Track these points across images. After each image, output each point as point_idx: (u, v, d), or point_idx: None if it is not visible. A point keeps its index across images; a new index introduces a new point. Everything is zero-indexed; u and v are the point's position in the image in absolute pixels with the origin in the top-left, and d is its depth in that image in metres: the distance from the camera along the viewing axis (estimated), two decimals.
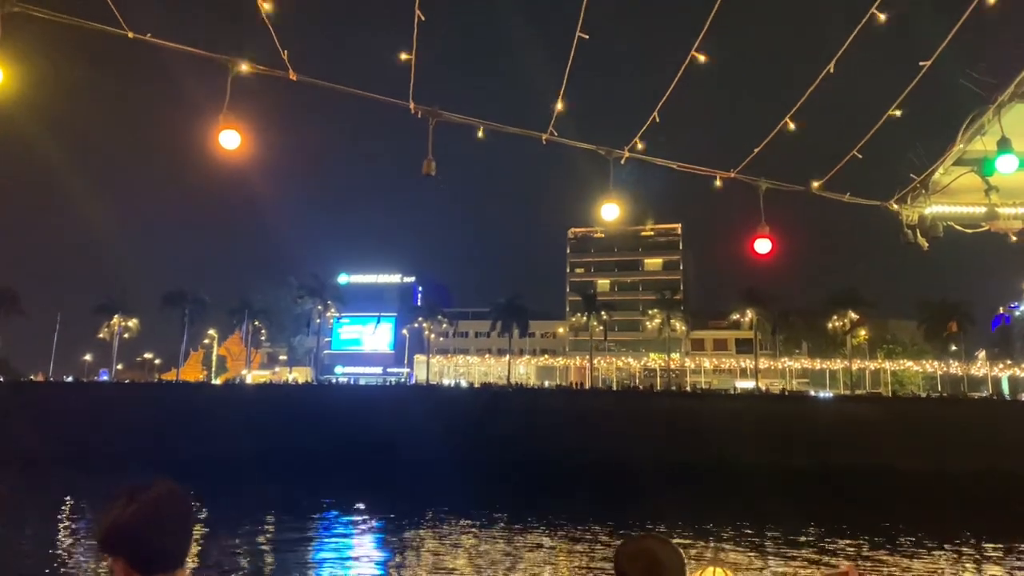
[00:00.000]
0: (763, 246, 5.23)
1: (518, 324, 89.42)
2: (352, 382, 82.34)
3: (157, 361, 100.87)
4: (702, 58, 4.73)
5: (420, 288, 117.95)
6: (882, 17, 4.67)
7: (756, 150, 5.08)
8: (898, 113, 4.87)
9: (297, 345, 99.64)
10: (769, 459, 43.64)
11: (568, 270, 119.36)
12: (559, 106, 4.87)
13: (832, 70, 4.90)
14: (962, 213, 4.92)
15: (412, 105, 4.96)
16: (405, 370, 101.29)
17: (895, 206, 5.06)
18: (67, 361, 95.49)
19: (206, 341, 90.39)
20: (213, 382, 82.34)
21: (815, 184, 5.19)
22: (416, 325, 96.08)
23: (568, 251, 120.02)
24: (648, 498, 34.07)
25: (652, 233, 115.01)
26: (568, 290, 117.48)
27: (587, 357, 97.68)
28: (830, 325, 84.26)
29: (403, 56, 4.60)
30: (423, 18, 4.44)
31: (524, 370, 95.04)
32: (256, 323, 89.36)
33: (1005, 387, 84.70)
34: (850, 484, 38.84)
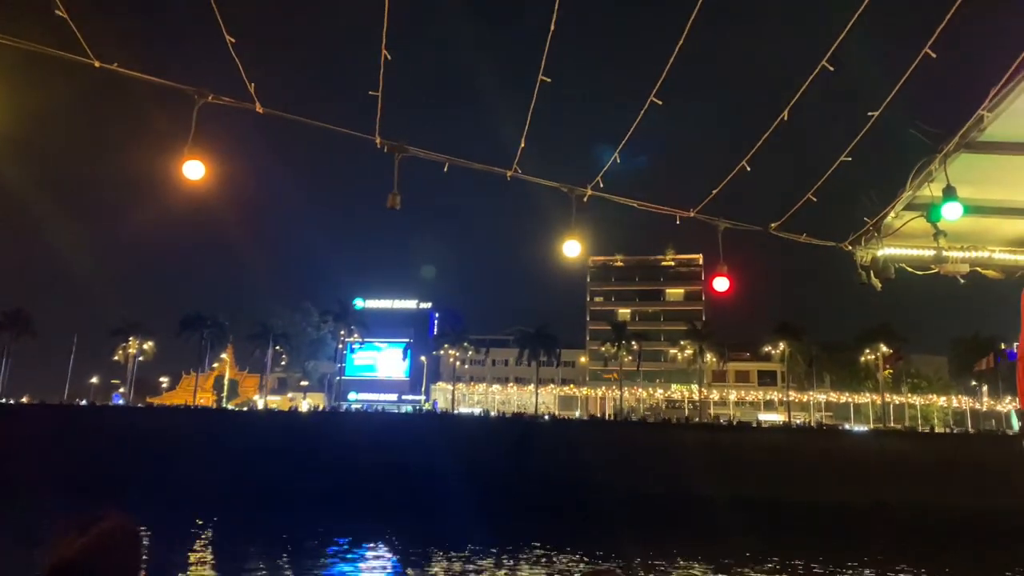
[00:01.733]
0: (721, 284, 5.39)
1: (546, 352, 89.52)
2: (366, 408, 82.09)
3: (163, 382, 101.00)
4: (659, 102, 4.93)
5: (436, 315, 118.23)
6: (831, 68, 4.87)
7: (714, 192, 5.26)
8: (849, 159, 5.03)
9: (312, 370, 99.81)
10: (823, 496, 42.80)
11: (588, 299, 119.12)
12: (522, 144, 5.06)
13: (786, 117, 5.09)
14: (912, 256, 5.03)
15: (378, 140, 5.09)
16: (420, 397, 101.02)
17: (849, 247, 5.19)
18: (75, 384, 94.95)
19: (215, 365, 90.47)
20: (226, 407, 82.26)
21: (772, 225, 5.35)
22: (442, 352, 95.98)
23: (588, 280, 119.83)
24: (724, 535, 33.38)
25: (673, 263, 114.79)
26: (588, 319, 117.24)
27: (607, 387, 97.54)
28: (862, 359, 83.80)
29: (371, 92, 4.80)
30: (389, 58, 4.64)
31: (543, 399, 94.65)
32: (277, 348, 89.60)
33: (1015, 422, 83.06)
34: (914, 522, 37.60)
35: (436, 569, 28.02)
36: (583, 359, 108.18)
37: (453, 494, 41.12)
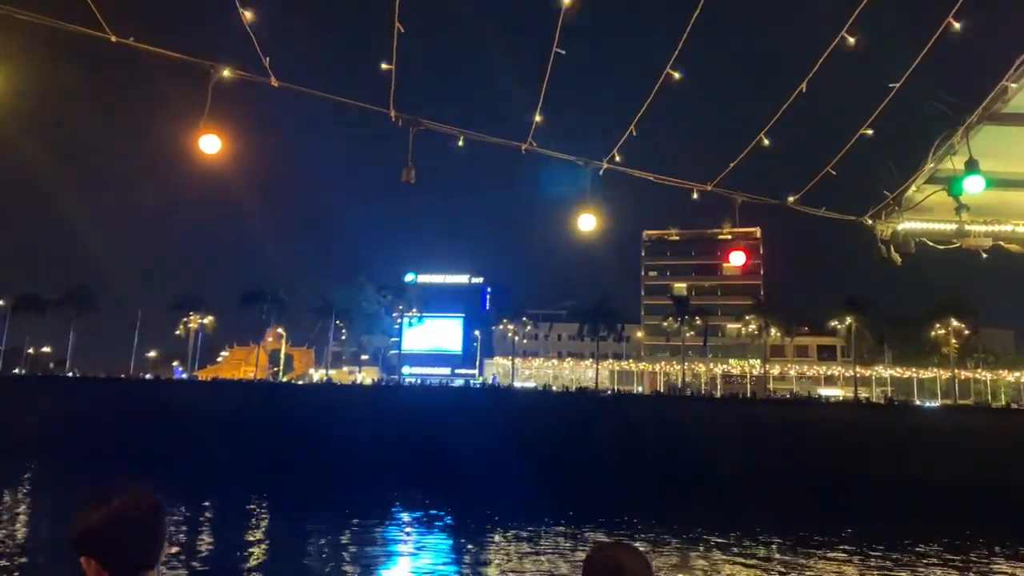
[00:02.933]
0: (738, 258, 5.45)
1: (606, 327, 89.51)
2: (420, 383, 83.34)
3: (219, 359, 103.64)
4: (676, 75, 4.93)
5: (488, 289, 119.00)
6: (851, 40, 4.81)
7: (732, 164, 5.25)
8: (870, 132, 4.96)
9: (366, 344, 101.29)
10: (908, 471, 41.75)
11: (643, 273, 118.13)
12: (537, 117, 5.09)
13: (804, 89, 5.04)
14: (934, 230, 4.95)
15: (393, 113, 5.07)
16: (474, 371, 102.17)
17: (869, 222, 5.12)
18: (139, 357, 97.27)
19: (269, 339, 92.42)
20: (281, 380, 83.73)
21: (791, 198, 5.32)
22: (501, 327, 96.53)
23: (643, 254, 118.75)
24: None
25: (730, 236, 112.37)
26: (643, 293, 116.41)
27: (667, 361, 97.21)
28: (932, 333, 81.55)
29: (384, 66, 4.83)
30: (402, 30, 4.69)
31: (591, 374, 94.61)
32: (338, 322, 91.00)
33: None
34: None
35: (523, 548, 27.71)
36: (639, 333, 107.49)
37: (511, 471, 40.83)
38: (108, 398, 57.83)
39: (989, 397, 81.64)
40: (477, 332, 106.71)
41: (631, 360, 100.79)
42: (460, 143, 5.27)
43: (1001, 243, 4.97)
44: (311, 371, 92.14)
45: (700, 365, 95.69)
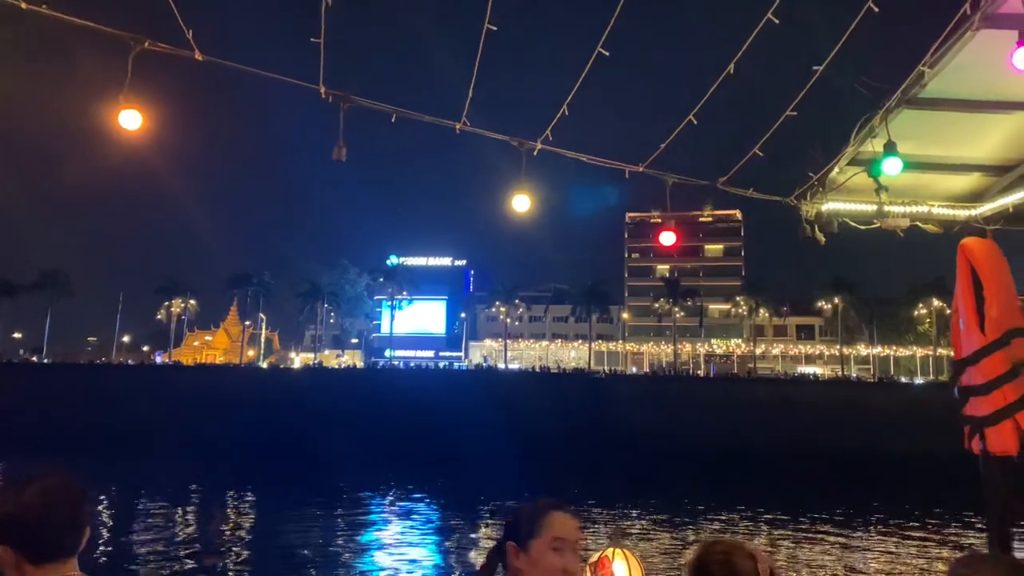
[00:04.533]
0: (668, 238, 5.52)
1: (599, 309, 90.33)
2: (404, 366, 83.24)
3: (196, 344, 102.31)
4: (606, 53, 5.00)
5: (472, 272, 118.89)
6: (776, 20, 4.91)
7: (663, 146, 5.35)
8: (795, 114, 5.08)
9: (349, 328, 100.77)
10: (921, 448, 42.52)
11: (626, 255, 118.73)
12: (470, 95, 5.11)
13: (732, 71, 5.15)
14: (855, 210, 5.09)
15: (322, 89, 4.95)
16: (459, 353, 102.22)
17: (795, 202, 5.26)
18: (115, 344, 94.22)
19: (247, 323, 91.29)
20: (260, 364, 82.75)
21: (721, 180, 5.44)
22: (493, 309, 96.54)
23: (626, 236, 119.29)
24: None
25: (711, 219, 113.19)
26: (627, 275, 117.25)
27: (655, 342, 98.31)
28: (915, 312, 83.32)
29: (312, 40, 4.68)
30: (329, 3, 4.67)
31: (575, 354, 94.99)
32: (327, 306, 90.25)
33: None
34: None
35: None
36: (624, 315, 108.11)
37: (499, 452, 39.76)
38: (86, 385, 57.23)
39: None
40: (463, 314, 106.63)
41: (620, 341, 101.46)
42: (392, 119, 5.26)
43: (918, 223, 5.12)
44: (292, 355, 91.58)
45: (687, 345, 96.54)
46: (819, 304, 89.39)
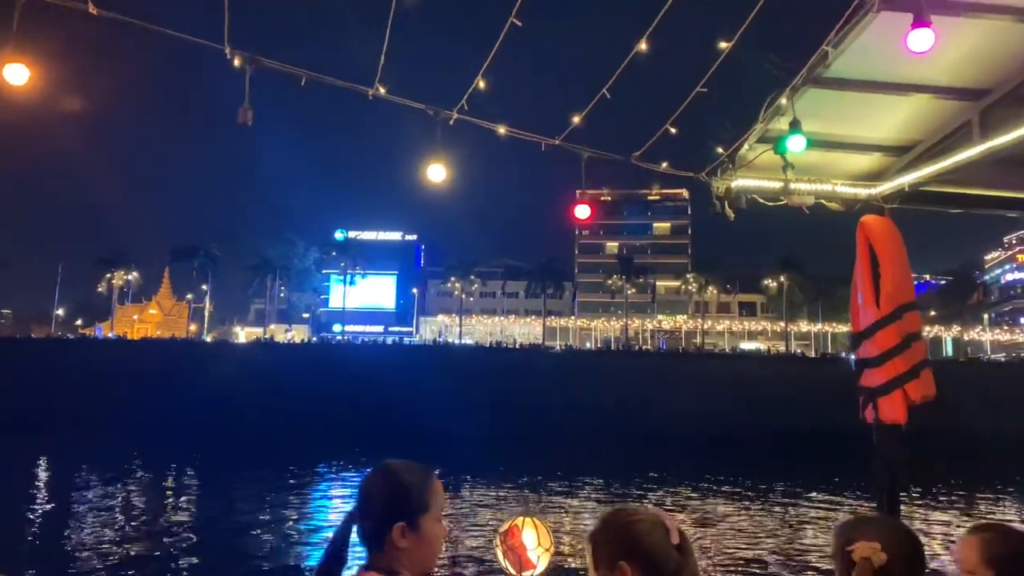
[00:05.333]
0: (583, 212, 5.58)
1: (554, 285, 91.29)
2: (352, 341, 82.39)
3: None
4: (519, 23, 4.99)
5: (423, 247, 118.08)
6: None
7: (577, 120, 5.38)
8: (705, 90, 5.16)
9: (297, 302, 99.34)
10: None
11: (576, 232, 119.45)
12: (382, 61, 5.02)
13: (644, 48, 5.19)
14: (763, 187, 5.21)
15: (228, 50, 4.78)
16: (409, 329, 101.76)
17: (705, 178, 5.36)
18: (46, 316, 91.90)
19: (189, 296, 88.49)
20: (204, 339, 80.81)
21: (634, 155, 5.50)
22: (448, 284, 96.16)
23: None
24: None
25: (659, 198, 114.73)
26: (577, 252, 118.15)
27: (606, 319, 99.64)
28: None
29: None
30: None
31: (521, 330, 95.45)
32: (276, 280, 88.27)
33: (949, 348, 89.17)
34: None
35: None
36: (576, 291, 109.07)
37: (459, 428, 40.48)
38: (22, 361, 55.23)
39: None
40: (415, 290, 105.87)
41: (572, 317, 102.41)
42: (302, 82, 5.13)
43: (823, 201, 5.26)
44: (236, 329, 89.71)
45: (636, 321, 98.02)
46: (766, 282, 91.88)
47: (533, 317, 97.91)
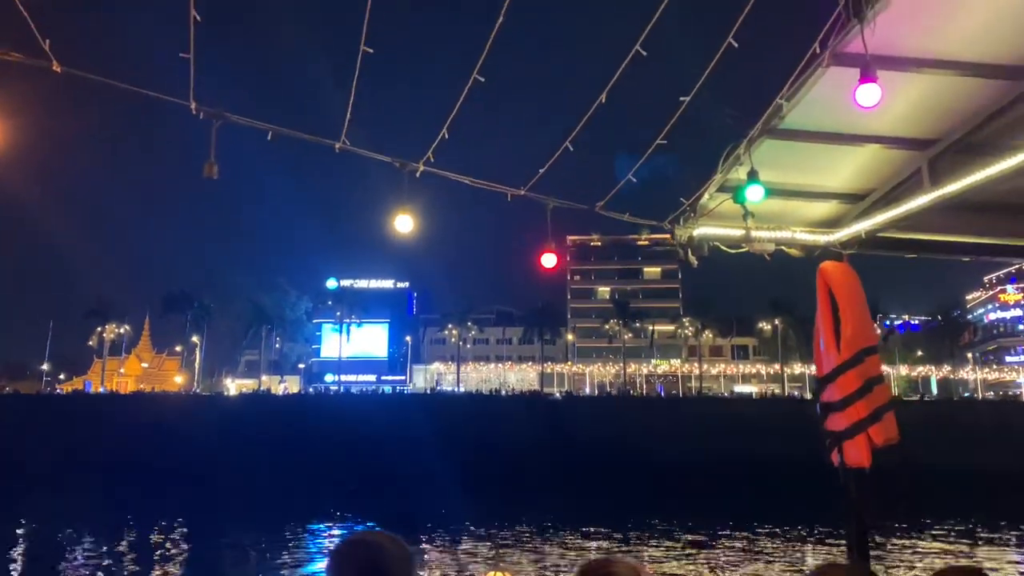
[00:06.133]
0: (549, 260, 5.66)
1: (550, 331, 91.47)
2: (344, 391, 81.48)
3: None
4: (482, 79, 5.13)
5: (415, 294, 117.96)
6: (644, 53, 5.12)
7: (542, 171, 5.50)
8: (665, 142, 5.30)
9: (288, 352, 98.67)
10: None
11: (568, 277, 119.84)
12: (348, 115, 5.12)
13: (604, 100, 5.35)
14: (725, 235, 5.32)
15: (193, 105, 4.87)
16: (402, 377, 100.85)
17: (668, 226, 5.47)
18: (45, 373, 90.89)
19: (178, 348, 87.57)
20: (195, 391, 79.57)
21: (599, 204, 5.61)
22: (444, 332, 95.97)
23: (568, 259, 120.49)
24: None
25: (648, 243, 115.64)
26: (570, 297, 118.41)
27: (603, 363, 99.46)
28: None
29: (182, 55, 4.56)
30: (199, 19, 4.54)
31: (516, 377, 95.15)
32: (273, 330, 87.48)
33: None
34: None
35: None
36: (569, 336, 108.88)
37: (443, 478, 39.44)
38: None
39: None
40: (408, 338, 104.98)
41: (569, 362, 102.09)
42: (269, 137, 5.23)
43: (783, 247, 5.36)
44: (226, 381, 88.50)
45: (632, 365, 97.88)
46: (760, 325, 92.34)
47: (530, 363, 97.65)
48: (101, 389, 79.26)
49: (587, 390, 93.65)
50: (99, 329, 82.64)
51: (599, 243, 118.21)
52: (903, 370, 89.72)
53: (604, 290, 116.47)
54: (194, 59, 4.54)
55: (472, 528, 31.02)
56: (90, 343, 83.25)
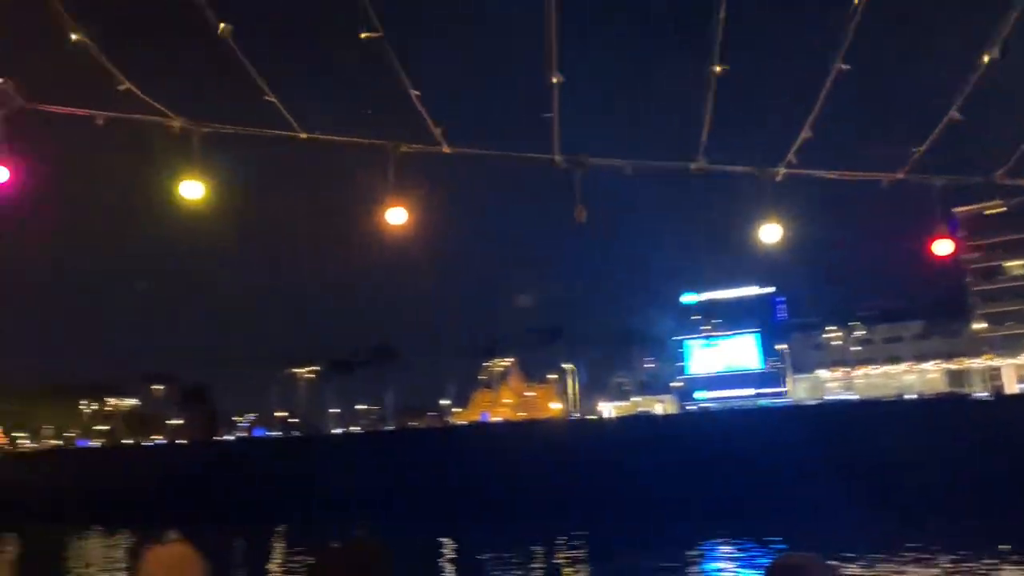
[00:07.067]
0: (943, 247, 4.96)
1: (954, 322, 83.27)
2: (727, 409, 79.08)
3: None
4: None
5: (783, 300, 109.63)
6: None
7: (917, 150, 4.82)
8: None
9: (658, 371, 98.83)
10: None
11: (965, 257, 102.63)
12: (704, 137, 5.06)
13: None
14: None
15: (556, 158, 5.19)
16: (781, 389, 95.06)
17: None
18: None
19: (552, 376, 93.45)
20: (573, 416, 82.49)
21: (998, 172, 4.76)
22: (823, 337, 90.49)
23: (966, 234, 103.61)
24: None
25: None
26: (969, 278, 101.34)
27: (1015, 355, 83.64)
28: None
29: (543, 116, 4.95)
30: (559, 79, 4.83)
31: (913, 379, 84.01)
32: (637, 351, 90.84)
33: None
34: None
35: None
36: (974, 326, 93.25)
37: None
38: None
39: None
40: (785, 346, 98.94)
41: (987, 355, 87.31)
42: (629, 171, 5.46)
43: None
44: (600, 405, 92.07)
45: None
46: None
47: (935, 362, 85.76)
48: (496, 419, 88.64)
49: (1007, 388, 78.56)
50: (484, 364, 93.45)
51: (1002, 208, 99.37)
52: None
53: (1015, 264, 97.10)
54: (558, 116, 5.00)
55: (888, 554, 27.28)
56: (481, 377, 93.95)
